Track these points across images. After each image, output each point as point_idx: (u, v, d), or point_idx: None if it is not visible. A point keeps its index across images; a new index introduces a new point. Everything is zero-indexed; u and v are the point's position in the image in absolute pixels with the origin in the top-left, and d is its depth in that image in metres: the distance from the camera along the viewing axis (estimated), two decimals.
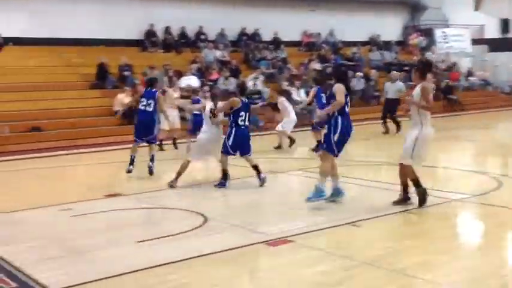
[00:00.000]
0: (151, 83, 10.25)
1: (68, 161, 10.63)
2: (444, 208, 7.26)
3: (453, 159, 12.24)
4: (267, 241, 5.96)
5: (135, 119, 10.09)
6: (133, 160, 9.61)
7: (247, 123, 8.76)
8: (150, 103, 9.79)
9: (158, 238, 6.14)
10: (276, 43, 23.65)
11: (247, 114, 8.73)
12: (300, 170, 10.48)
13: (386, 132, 15.84)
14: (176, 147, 13.46)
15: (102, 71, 18.08)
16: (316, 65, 22.31)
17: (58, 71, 17.76)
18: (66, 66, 18.06)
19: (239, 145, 8.67)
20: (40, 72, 17.43)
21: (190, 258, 5.47)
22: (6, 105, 15.27)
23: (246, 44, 22.93)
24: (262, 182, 8.65)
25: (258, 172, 8.71)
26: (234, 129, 8.65)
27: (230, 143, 8.60)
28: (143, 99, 9.84)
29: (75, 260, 5.61)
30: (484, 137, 15.98)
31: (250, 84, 19.48)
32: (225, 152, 8.68)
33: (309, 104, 12.69)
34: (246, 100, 8.89)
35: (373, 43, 26.59)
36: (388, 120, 15.98)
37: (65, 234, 6.54)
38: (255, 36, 23.50)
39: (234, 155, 8.74)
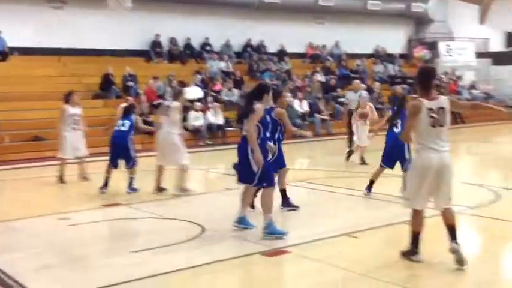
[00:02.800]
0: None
1: (70, 170, 10.66)
2: (440, 220, 7.23)
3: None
4: (264, 251, 5.96)
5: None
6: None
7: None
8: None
9: (154, 248, 6.13)
10: (281, 55, 23.74)
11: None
12: (300, 181, 10.47)
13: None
14: None
15: (106, 81, 18.18)
16: (320, 77, 22.42)
17: (62, 80, 17.83)
18: (70, 76, 18.16)
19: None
20: (44, 82, 17.51)
21: (185, 268, 5.47)
22: (9, 114, 15.34)
23: (250, 55, 23.03)
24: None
25: None
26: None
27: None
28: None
29: (70, 269, 5.62)
30: (483, 150, 15.96)
31: None
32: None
33: None
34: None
35: (377, 56, 26.66)
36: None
37: (61, 243, 6.55)
38: (259, 48, 23.61)
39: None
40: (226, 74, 21.05)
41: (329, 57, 24.96)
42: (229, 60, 22.16)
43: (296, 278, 5.30)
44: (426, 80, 5.38)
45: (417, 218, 5.47)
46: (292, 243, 6.22)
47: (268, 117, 6.72)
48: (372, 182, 8.58)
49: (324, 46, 25.51)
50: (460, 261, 5.18)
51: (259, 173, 6.37)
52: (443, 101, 5.32)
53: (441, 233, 5.66)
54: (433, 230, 5.75)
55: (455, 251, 5.20)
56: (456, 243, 5.23)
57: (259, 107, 6.45)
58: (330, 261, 5.74)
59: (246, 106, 6.63)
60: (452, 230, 5.32)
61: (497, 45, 30.32)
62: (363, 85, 19.67)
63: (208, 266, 5.55)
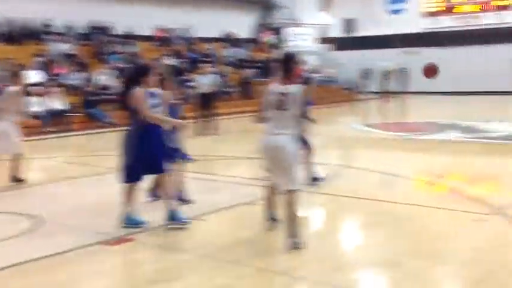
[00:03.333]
0: None
1: None
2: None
3: None
4: (107, 241, 5.77)
5: None
6: None
7: None
8: None
9: None
10: (129, 37, 23.09)
11: None
12: None
13: (205, 131, 14.83)
14: None
15: None
16: (169, 60, 22.17)
17: None
18: None
19: None
20: None
21: (17, 264, 5.12)
22: None
23: (97, 37, 22.11)
24: None
25: None
26: None
27: None
28: None
29: None
30: (326, 131, 16.88)
31: (100, 78, 18.87)
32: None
33: None
34: None
35: (226, 40, 26.99)
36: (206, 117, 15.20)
37: None
38: (106, 30, 22.75)
39: None
40: (69, 57, 20.01)
41: (179, 41, 24.77)
42: (73, 42, 21.07)
43: (136, 266, 5.20)
44: (282, 65, 5.52)
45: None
46: (136, 230, 6.08)
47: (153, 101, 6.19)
48: None
49: (173, 29, 25.26)
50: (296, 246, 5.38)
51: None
52: (295, 87, 5.42)
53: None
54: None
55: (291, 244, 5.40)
56: (292, 236, 5.39)
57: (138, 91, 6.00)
58: (175, 246, 5.72)
59: (124, 92, 6.14)
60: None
61: (337, 31, 32.24)
62: (212, 69, 19.79)
63: (43, 260, 5.24)
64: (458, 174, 9.57)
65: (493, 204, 6.82)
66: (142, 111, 5.96)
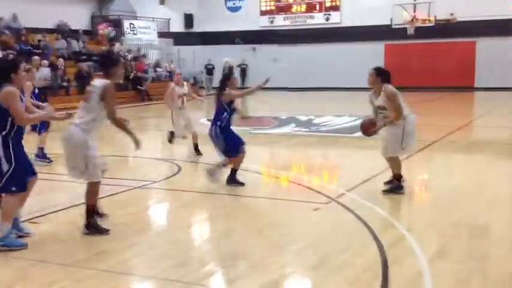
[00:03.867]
0: None
1: None
2: (126, 196, 7.30)
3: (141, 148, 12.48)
4: None
5: None
6: None
7: None
8: None
9: None
10: None
11: None
12: None
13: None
14: None
15: None
16: None
17: None
18: None
19: None
20: None
21: None
22: None
23: None
24: None
25: None
26: None
27: None
28: None
29: None
30: (169, 126, 16.73)
31: None
32: None
33: None
34: None
35: (59, 31, 25.53)
36: None
37: None
38: None
39: None
40: None
41: (6, 31, 22.88)
42: None
43: None
44: (100, 62, 6.03)
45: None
46: None
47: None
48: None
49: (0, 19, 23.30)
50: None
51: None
52: (98, 83, 5.59)
53: (118, 212, 5.67)
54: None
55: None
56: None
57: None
58: (5, 252, 5.25)
59: None
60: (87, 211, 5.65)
61: (177, 26, 32.14)
62: (44, 61, 18.64)
63: None
64: (298, 166, 10.03)
65: (328, 194, 7.23)
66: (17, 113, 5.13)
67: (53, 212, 6.49)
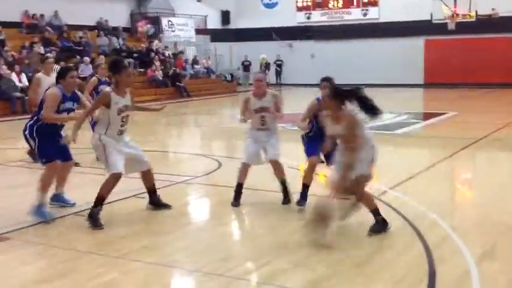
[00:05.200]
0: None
1: None
2: (168, 190, 7.39)
3: (181, 144, 12.64)
4: None
5: None
6: None
7: None
8: None
9: None
10: None
11: None
12: (20, 161, 9.64)
13: None
14: None
15: None
16: (40, 49, 20.93)
17: None
18: None
19: None
20: None
21: None
22: None
23: None
24: None
25: None
26: None
27: None
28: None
29: None
30: (208, 122, 16.91)
31: None
32: None
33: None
34: None
35: (100, 28, 25.96)
36: None
37: None
38: None
39: None
40: None
41: (48, 28, 23.40)
42: None
43: (15, 266, 4.85)
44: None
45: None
46: (12, 228, 5.66)
47: None
48: None
49: (42, 16, 23.82)
50: None
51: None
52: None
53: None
54: None
55: None
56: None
57: None
58: (54, 243, 5.40)
59: None
60: None
61: (214, 22, 32.29)
62: (86, 58, 18.92)
63: None
64: None
65: (371, 192, 7.15)
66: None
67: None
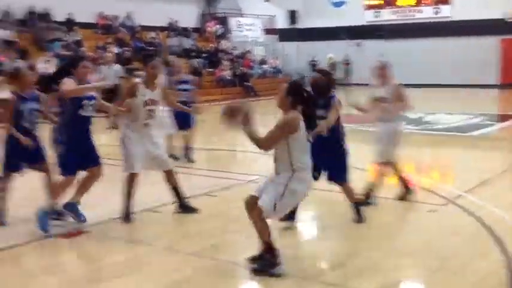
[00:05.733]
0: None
1: None
2: (239, 189, 7.45)
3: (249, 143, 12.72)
4: (62, 233, 5.61)
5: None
6: None
7: None
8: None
9: None
10: (69, 24, 22.34)
11: None
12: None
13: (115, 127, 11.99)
14: None
15: None
16: (115, 49, 21.62)
17: None
18: None
19: None
20: None
21: None
22: None
23: (35, 23, 21.25)
24: None
25: None
26: None
27: None
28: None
29: None
30: (275, 122, 16.90)
31: (41, 66, 18.18)
32: None
33: None
34: None
35: (171, 29, 26.57)
36: None
37: None
38: (45, 16, 21.90)
39: None
40: (8, 44, 19.15)
41: (122, 29, 24.17)
42: (11, 28, 20.15)
43: (89, 260, 5.07)
44: None
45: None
46: (92, 222, 5.90)
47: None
48: None
49: (116, 17, 24.62)
50: None
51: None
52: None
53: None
54: None
55: None
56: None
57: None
58: (130, 238, 5.59)
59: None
60: None
61: (282, 22, 32.33)
62: (158, 58, 19.30)
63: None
64: (409, 165, 9.76)
65: (445, 195, 6.99)
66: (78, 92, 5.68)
67: (174, 203, 6.76)
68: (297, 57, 31.50)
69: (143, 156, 6.05)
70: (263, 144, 4.56)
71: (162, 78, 8.17)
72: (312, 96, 4.69)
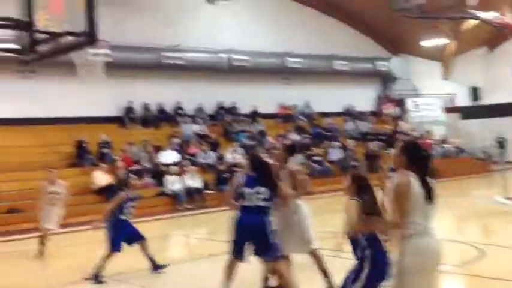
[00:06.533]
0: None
1: (51, 241, 10.45)
2: None
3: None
4: None
5: None
6: None
7: None
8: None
9: None
10: (253, 116, 24.01)
11: None
12: None
13: None
14: None
15: (80, 149, 18.06)
16: (294, 136, 22.66)
17: (34, 150, 17.58)
18: (42, 146, 17.87)
19: None
20: (15, 153, 17.13)
21: None
22: None
23: (223, 117, 23.23)
24: None
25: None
26: None
27: None
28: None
29: None
30: (462, 204, 16.08)
31: (229, 156, 19.70)
32: None
33: None
34: None
35: (347, 113, 27.17)
36: None
37: None
38: (232, 110, 23.86)
39: None
40: (201, 137, 21.13)
41: (301, 117, 25.32)
42: (203, 123, 22.26)
43: None
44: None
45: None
46: None
47: None
48: None
49: (294, 106, 25.89)
50: None
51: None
52: None
53: None
54: None
55: None
56: None
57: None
58: None
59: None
60: None
61: (463, 99, 31.25)
62: (334, 143, 19.69)
63: None
64: None
65: None
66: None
67: None
68: (482, 135, 29.96)
69: None
70: (396, 222, 4.19)
71: None
72: (429, 156, 4.31)
